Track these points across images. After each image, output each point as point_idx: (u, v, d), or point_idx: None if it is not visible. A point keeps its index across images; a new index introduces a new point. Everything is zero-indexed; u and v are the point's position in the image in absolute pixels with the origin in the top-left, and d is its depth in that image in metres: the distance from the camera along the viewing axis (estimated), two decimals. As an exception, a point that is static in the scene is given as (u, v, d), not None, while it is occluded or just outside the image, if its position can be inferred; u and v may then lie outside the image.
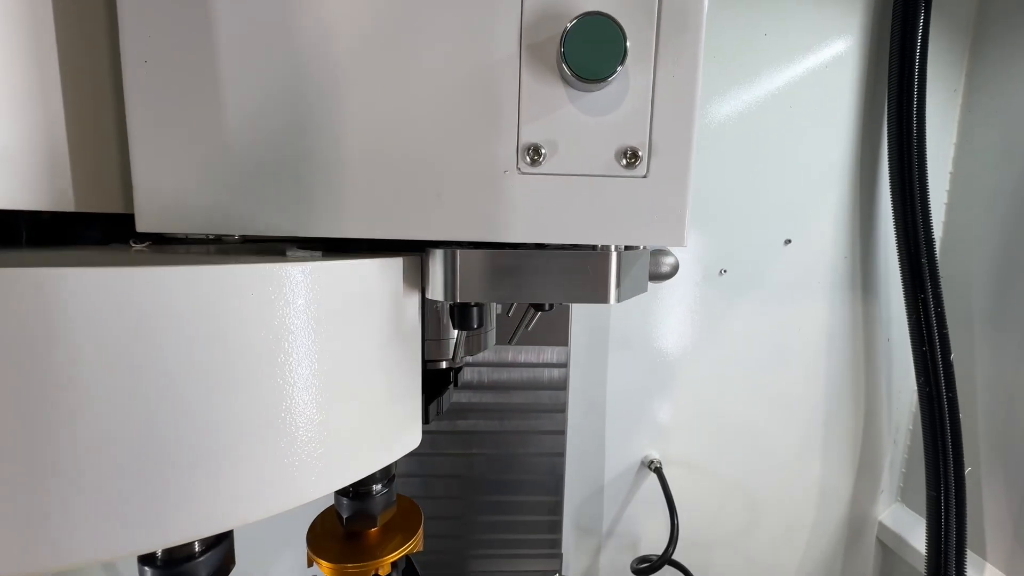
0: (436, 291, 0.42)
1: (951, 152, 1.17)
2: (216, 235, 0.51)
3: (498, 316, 0.63)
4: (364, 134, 0.38)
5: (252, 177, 0.38)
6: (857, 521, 1.30)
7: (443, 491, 1.04)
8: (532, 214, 0.39)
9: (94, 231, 0.52)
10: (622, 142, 0.38)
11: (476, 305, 0.46)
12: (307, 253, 0.39)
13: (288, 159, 0.38)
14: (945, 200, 1.18)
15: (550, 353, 1.02)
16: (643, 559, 1.10)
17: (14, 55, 0.37)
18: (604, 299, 0.40)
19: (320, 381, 0.36)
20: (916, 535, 1.17)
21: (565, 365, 1.02)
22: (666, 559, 1.05)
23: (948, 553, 1.05)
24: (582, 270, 0.40)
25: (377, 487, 0.53)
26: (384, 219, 0.39)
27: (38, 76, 0.38)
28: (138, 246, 0.45)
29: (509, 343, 0.59)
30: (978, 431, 1.12)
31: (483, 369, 1.01)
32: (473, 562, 1.07)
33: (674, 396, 1.20)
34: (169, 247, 0.46)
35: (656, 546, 1.10)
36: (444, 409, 0.53)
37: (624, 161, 0.38)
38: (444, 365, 0.53)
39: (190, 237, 0.52)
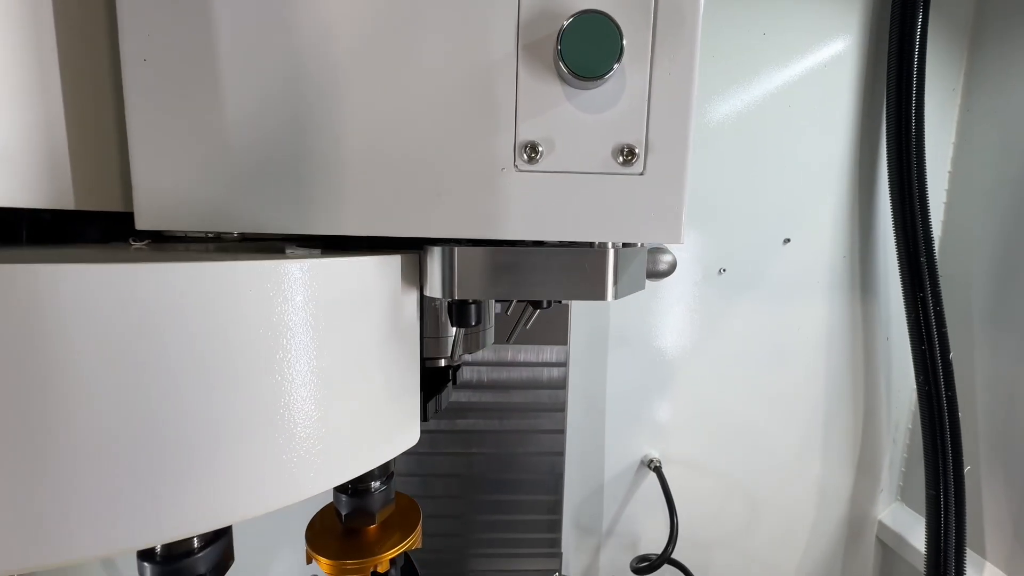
0: (434, 288, 0.42)
1: (950, 151, 1.17)
2: (215, 233, 0.51)
3: (497, 315, 0.63)
4: (363, 132, 0.39)
5: (251, 175, 0.39)
6: (857, 520, 1.30)
7: (443, 490, 1.04)
8: (529, 211, 0.39)
9: (94, 230, 0.53)
10: (619, 140, 0.39)
11: (474, 302, 0.46)
12: (306, 251, 0.39)
13: (287, 157, 0.39)
14: (944, 199, 1.18)
15: (549, 352, 1.02)
16: (643, 558, 1.10)
17: (14, 54, 0.37)
18: (601, 296, 0.41)
19: (318, 378, 0.37)
20: (916, 534, 1.18)
21: (564, 364, 1.02)
22: (666, 558, 1.05)
23: (948, 552, 1.05)
24: (579, 267, 0.40)
25: (376, 484, 0.53)
26: (383, 217, 0.40)
27: (38, 75, 0.38)
28: (137, 244, 0.45)
29: (507, 341, 0.59)
30: (977, 430, 1.12)
31: (482, 368, 1.01)
32: (473, 561, 1.07)
33: (674, 395, 1.20)
34: (168, 245, 0.46)
35: (656, 545, 1.10)
36: (443, 407, 0.53)
37: (621, 159, 0.39)
38: (443, 363, 0.53)
39: (189, 235, 0.52)
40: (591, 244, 0.41)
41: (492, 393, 1.02)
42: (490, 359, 1.01)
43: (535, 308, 0.55)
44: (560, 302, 0.98)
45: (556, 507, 1.07)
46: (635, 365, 1.18)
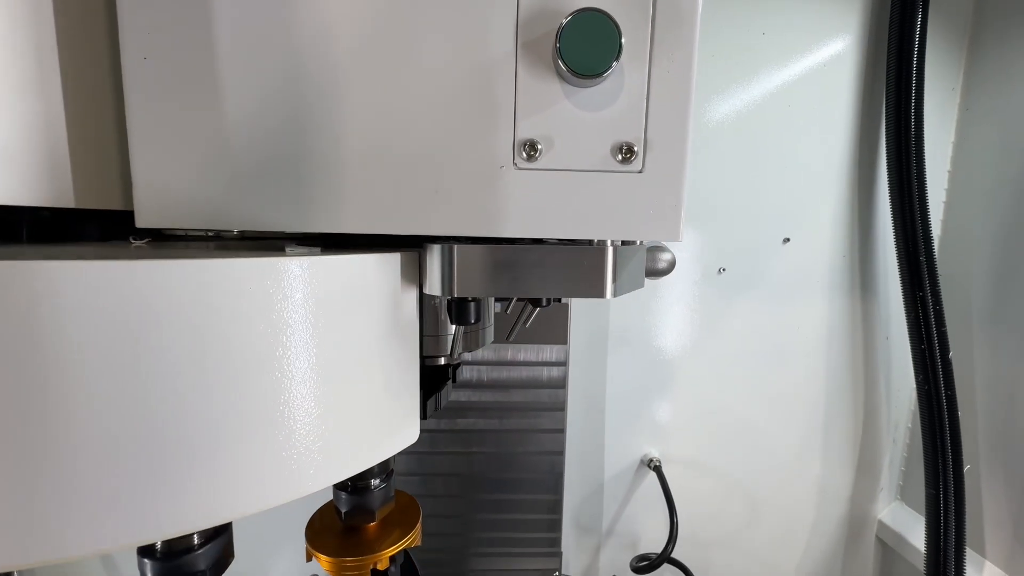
0: (434, 286, 0.42)
1: (949, 151, 1.17)
2: (215, 232, 0.51)
3: (497, 315, 0.63)
4: (362, 131, 0.39)
5: (251, 173, 0.39)
6: (857, 519, 1.30)
7: (443, 489, 1.04)
8: (528, 209, 0.40)
9: (93, 229, 0.53)
10: (617, 137, 0.39)
11: (473, 300, 0.46)
12: (306, 249, 0.40)
13: (287, 155, 0.39)
14: (943, 198, 1.18)
15: (549, 351, 1.02)
16: (643, 557, 1.10)
17: (15, 52, 0.37)
18: (600, 294, 0.41)
19: (318, 375, 0.37)
20: (916, 533, 1.18)
21: (564, 363, 1.02)
22: (665, 557, 1.05)
23: (947, 551, 1.05)
24: (578, 265, 0.40)
25: (375, 482, 0.53)
26: (382, 215, 0.40)
27: (38, 73, 0.38)
28: (137, 242, 0.45)
29: (507, 340, 0.59)
30: (977, 429, 1.12)
31: (482, 368, 1.01)
32: (473, 560, 1.07)
33: (673, 394, 1.20)
34: (168, 244, 0.46)
35: (656, 545, 1.10)
36: (442, 405, 0.53)
37: (620, 156, 0.39)
38: (442, 361, 0.54)
39: (189, 234, 0.53)
40: (590, 242, 0.41)
41: (492, 392, 1.02)
42: (490, 358, 1.01)
43: (534, 306, 0.55)
44: (560, 300, 0.99)
45: (556, 506, 1.07)
46: (635, 364, 1.18)
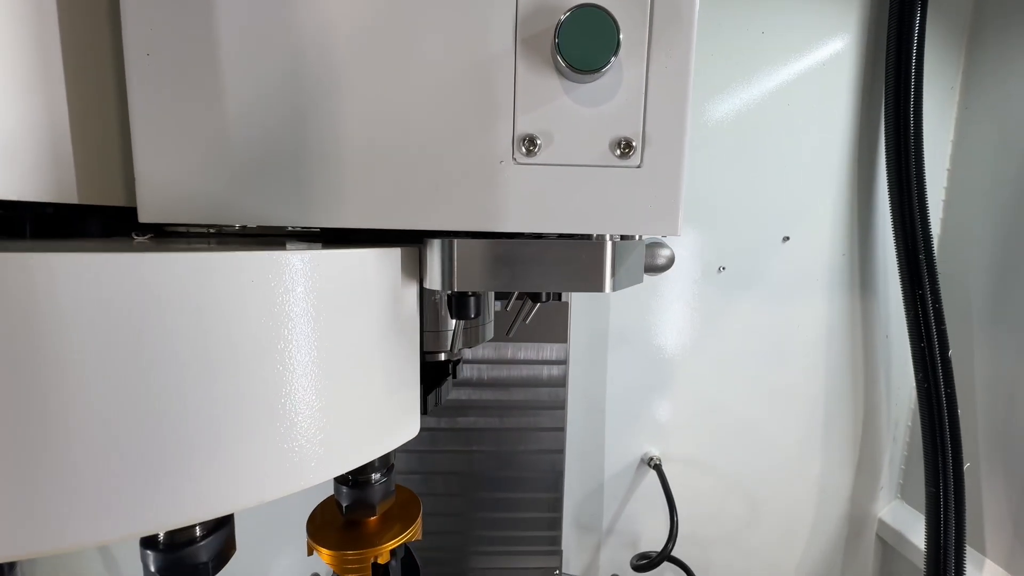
0: (434, 281, 0.42)
1: (948, 149, 1.17)
2: (216, 229, 0.52)
3: (497, 313, 0.63)
4: (362, 126, 0.39)
5: (253, 168, 0.39)
6: (857, 518, 1.31)
7: (443, 488, 1.05)
8: (528, 204, 0.40)
9: (95, 226, 0.53)
10: (616, 133, 0.39)
11: (473, 295, 0.46)
12: (306, 245, 0.40)
13: (288, 150, 0.39)
14: (943, 197, 1.19)
15: (550, 350, 1.02)
16: (643, 556, 1.10)
17: (18, 47, 0.37)
18: (599, 288, 0.41)
19: (319, 368, 0.37)
20: (916, 532, 1.18)
21: (565, 362, 1.03)
22: (665, 555, 1.06)
23: (948, 549, 1.06)
24: (577, 259, 0.40)
25: (376, 476, 0.53)
26: (383, 210, 0.40)
27: (42, 68, 0.38)
28: (140, 238, 0.45)
29: (507, 336, 0.60)
30: (977, 427, 1.12)
31: (483, 366, 1.02)
32: (473, 559, 1.08)
33: (673, 393, 1.20)
34: (169, 240, 0.46)
35: (656, 543, 1.10)
36: (443, 400, 0.53)
37: (618, 151, 0.39)
38: (443, 357, 0.54)
39: (191, 231, 0.53)
40: (589, 237, 0.42)
41: (492, 391, 1.02)
42: (490, 357, 1.01)
43: (534, 302, 0.55)
44: (560, 297, 0.99)
45: (556, 505, 1.07)
46: (635, 363, 1.18)
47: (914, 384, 1.12)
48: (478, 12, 0.38)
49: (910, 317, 1.09)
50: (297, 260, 0.35)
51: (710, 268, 1.16)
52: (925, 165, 1.05)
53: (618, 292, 1.15)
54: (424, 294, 0.47)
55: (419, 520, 0.55)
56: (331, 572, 0.53)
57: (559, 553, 1.09)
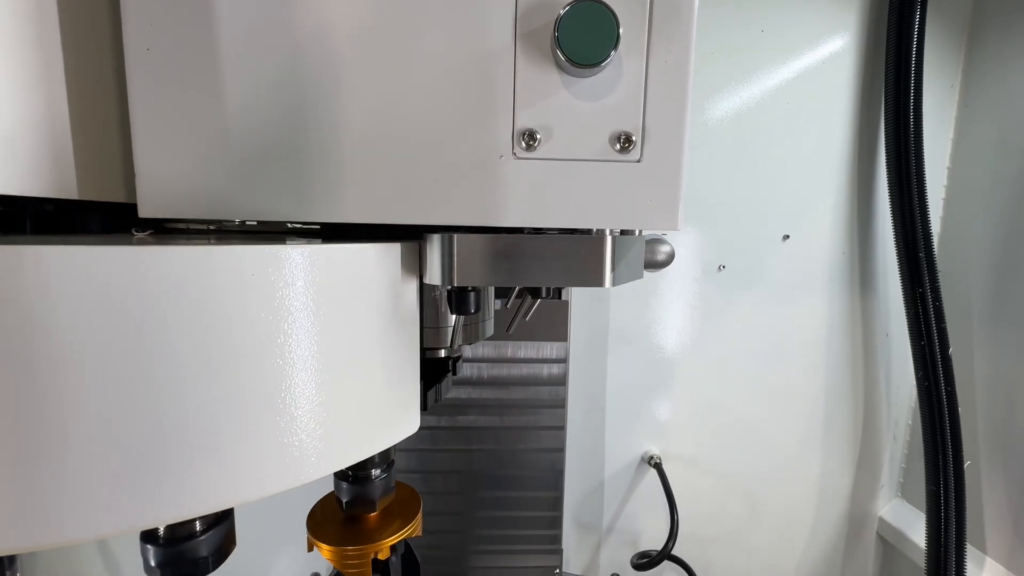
0: (434, 276, 0.42)
1: (948, 147, 1.17)
2: (216, 225, 0.52)
3: (497, 311, 0.63)
4: (362, 121, 0.39)
5: (253, 163, 0.39)
6: (857, 516, 1.31)
7: (443, 487, 1.04)
8: (528, 199, 0.40)
9: (95, 223, 0.53)
10: (616, 127, 0.39)
11: (473, 290, 0.46)
12: (307, 241, 0.40)
13: (288, 145, 0.39)
14: (943, 195, 1.19)
15: (550, 349, 1.02)
16: (643, 554, 1.10)
17: (18, 42, 0.37)
18: (599, 282, 0.41)
19: (319, 362, 0.37)
20: (916, 530, 1.18)
21: (565, 361, 1.02)
22: (666, 554, 1.05)
23: (948, 548, 1.05)
24: (577, 254, 0.40)
25: (376, 471, 0.53)
26: (382, 205, 0.40)
27: (42, 64, 0.38)
28: (140, 234, 0.45)
29: (507, 332, 0.60)
30: (977, 425, 1.12)
31: (483, 365, 1.01)
32: (473, 558, 1.08)
33: (674, 392, 1.20)
34: (169, 237, 0.46)
35: (657, 542, 1.10)
36: (443, 397, 0.53)
37: (618, 146, 0.39)
38: (443, 353, 0.54)
39: (191, 227, 0.53)
40: (589, 231, 0.42)
41: (492, 389, 1.02)
42: (490, 355, 1.01)
43: (534, 298, 0.55)
44: (560, 295, 0.99)
45: (556, 504, 1.07)
46: (635, 361, 1.18)
47: (914, 382, 1.12)
48: (478, 6, 0.38)
49: (910, 315, 1.09)
50: (297, 254, 0.35)
51: (710, 267, 1.16)
52: (925, 163, 1.05)
53: (618, 291, 1.15)
54: (424, 290, 0.47)
55: (419, 516, 0.55)
56: (331, 570, 0.53)
57: (559, 552, 1.09)
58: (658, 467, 1.19)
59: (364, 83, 0.39)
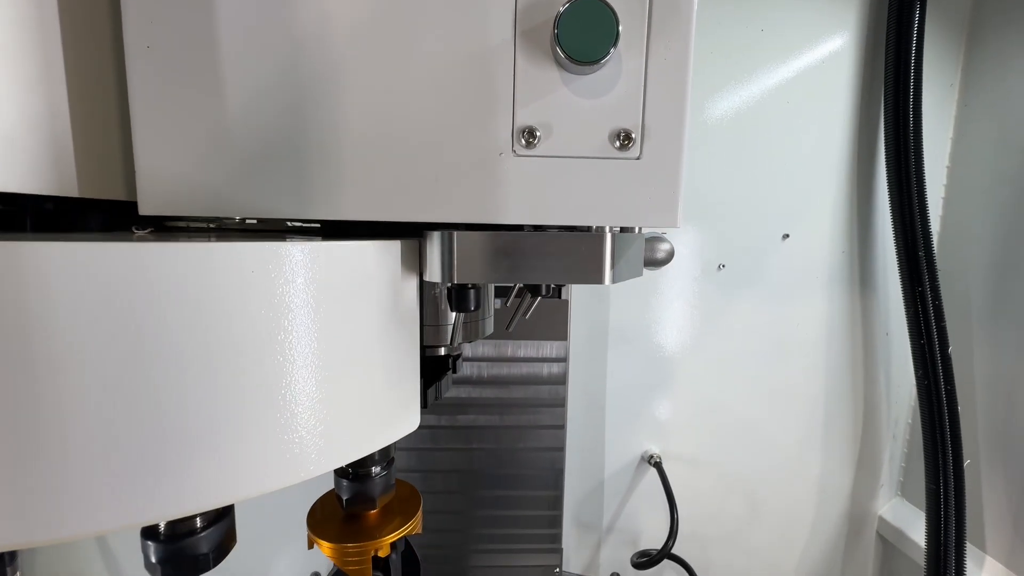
0: (434, 273, 0.42)
1: (948, 146, 1.17)
2: (217, 224, 0.52)
3: (497, 311, 0.63)
4: (363, 118, 0.39)
5: (253, 160, 0.39)
6: (857, 515, 1.31)
7: (443, 486, 1.04)
8: (527, 196, 0.40)
9: (96, 222, 0.53)
10: (615, 124, 0.39)
11: (473, 287, 0.46)
12: (307, 238, 0.40)
13: (288, 143, 0.39)
14: (942, 194, 1.19)
15: (549, 348, 1.02)
16: (643, 553, 1.11)
17: (18, 40, 0.37)
18: (599, 280, 0.41)
19: (319, 359, 0.37)
20: (916, 529, 1.18)
21: (565, 360, 1.03)
22: (665, 552, 1.05)
23: (948, 546, 1.05)
24: (577, 251, 0.41)
25: (376, 469, 0.53)
26: (382, 202, 0.40)
27: (43, 62, 0.39)
28: (140, 232, 0.45)
29: (507, 329, 0.60)
30: (977, 424, 1.12)
31: (483, 364, 1.02)
32: (474, 557, 1.08)
33: (673, 391, 1.20)
34: (169, 235, 0.46)
35: (657, 541, 1.10)
36: (443, 395, 0.53)
37: (617, 143, 0.39)
38: (443, 351, 0.54)
39: (191, 226, 0.53)
40: (589, 228, 0.42)
41: (492, 389, 1.02)
42: (490, 355, 1.01)
43: (534, 296, 0.55)
44: (559, 294, 0.99)
45: (556, 503, 1.07)
46: (635, 361, 1.18)
47: (914, 381, 1.12)
48: (478, 4, 0.38)
49: (910, 314, 1.09)
50: (297, 251, 0.36)
51: (710, 266, 1.16)
52: (925, 162, 1.06)
53: (618, 290, 1.16)
54: (424, 288, 0.47)
55: (419, 514, 0.55)
56: (332, 569, 0.54)
57: (559, 551, 1.09)
58: (658, 466, 1.19)
59: (364, 80, 0.39)
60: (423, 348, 0.49)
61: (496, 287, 0.66)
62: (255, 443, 0.35)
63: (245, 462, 0.35)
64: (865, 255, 1.19)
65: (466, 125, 0.39)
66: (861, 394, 1.24)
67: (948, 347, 1.07)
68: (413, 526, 0.54)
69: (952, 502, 1.06)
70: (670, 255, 0.54)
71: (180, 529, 0.39)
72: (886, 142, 1.09)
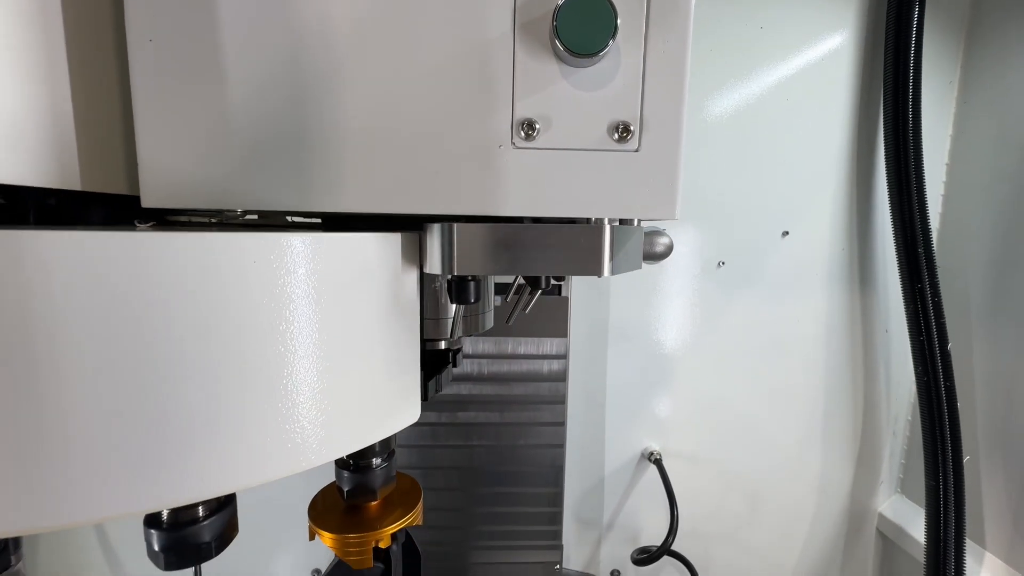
0: (434, 265, 0.43)
1: (947, 144, 1.17)
2: (218, 218, 0.52)
3: (497, 307, 0.64)
4: (363, 111, 0.39)
5: (254, 153, 0.39)
6: (857, 512, 1.31)
7: (443, 483, 1.05)
8: (527, 188, 0.40)
9: (97, 216, 0.54)
10: (614, 117, 0.39)
11: (473, 279, 0.47)
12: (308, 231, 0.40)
13: (289, 135, 0.39)
14: (942, 191, 1.19)
15: (550, 345, 1.03)
16: (643, 550, 1.11)
17: (22, 34, 0.38)
18: (597, 272, 0.41)
19: (320, 350, 0.37)
20: (916, 525, 1.18)
21: (565, 357, 1.03)
22: (665, 549, 1.06)
23: (948, 543, 1.06)
24: (576, 243, 0.41)
25: (377, 460, 0.54)
26: (383, 195, 0.40)
27: (46, 55, 0.39)
28: (143, 226, 0.46)
29: (507, 323, 0.60)
30: (976, 420, 1.12)
31: (483, 361, 1.02)
32: (474, 554, 1.08)
33: (673, 388, 1.21)
34: (172, 228, 0.47)
35: (657, 538, 1.11)
36: (443, 388, 0.54)
37: (616, 135, 0.39)
38: (443, 344, 0.54)
39: (192, 220, 0.53)
40: (588, 221, 0.42)
41: (492, 386, 1.03)
42: (490, 352, 1.02)
43: (534, 289, 0.55)
44: (559, 291, 0.99)
45: (557, 499, 1.07)
46: (635, 358, 1.19)
47: (914, 378, 1.12)
48: (477, -3, 0.38)
49: (909, 311, 1.09)
50: (299, 242, 0.36)
51: (709, 263, 1.16)
52: (924, 160, 1.06)
53: (618, 287, 1.16)
54: (424, 281, 0.48)
55: (420, 505, 0.56)
56: (333, 561, 0.54)
57: (560, 548, 1.09)
58: (658, 463, 1.19)
59: (365, 73, 0.39)
60: (423, 341, 0.49)
61: (496, 284, 0.66)
62: (256, 432, 0.35)
63: (246, 451, 0.35)
64: (865, 252, 1.19)
65: (466, 117, 0.39)
66: (861, 391, 1.24)
67: (948, 344, 1.07)
68: (414, 517, 0.54)
69: (952, 498, 1.06)
70: (669, 249, 0.54)
71: (183, 518, 0.39)
72: (885, 139, 1.10)
